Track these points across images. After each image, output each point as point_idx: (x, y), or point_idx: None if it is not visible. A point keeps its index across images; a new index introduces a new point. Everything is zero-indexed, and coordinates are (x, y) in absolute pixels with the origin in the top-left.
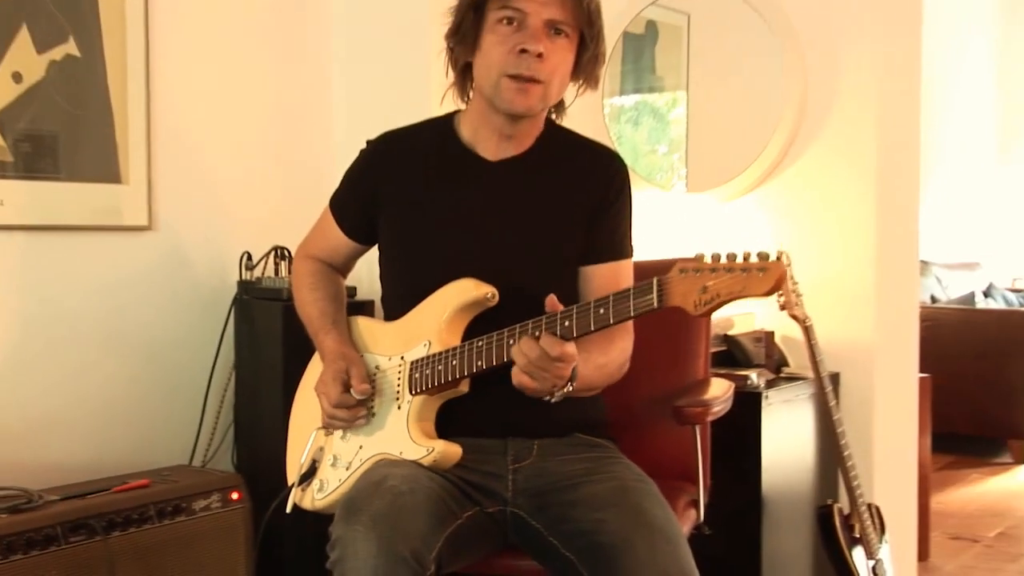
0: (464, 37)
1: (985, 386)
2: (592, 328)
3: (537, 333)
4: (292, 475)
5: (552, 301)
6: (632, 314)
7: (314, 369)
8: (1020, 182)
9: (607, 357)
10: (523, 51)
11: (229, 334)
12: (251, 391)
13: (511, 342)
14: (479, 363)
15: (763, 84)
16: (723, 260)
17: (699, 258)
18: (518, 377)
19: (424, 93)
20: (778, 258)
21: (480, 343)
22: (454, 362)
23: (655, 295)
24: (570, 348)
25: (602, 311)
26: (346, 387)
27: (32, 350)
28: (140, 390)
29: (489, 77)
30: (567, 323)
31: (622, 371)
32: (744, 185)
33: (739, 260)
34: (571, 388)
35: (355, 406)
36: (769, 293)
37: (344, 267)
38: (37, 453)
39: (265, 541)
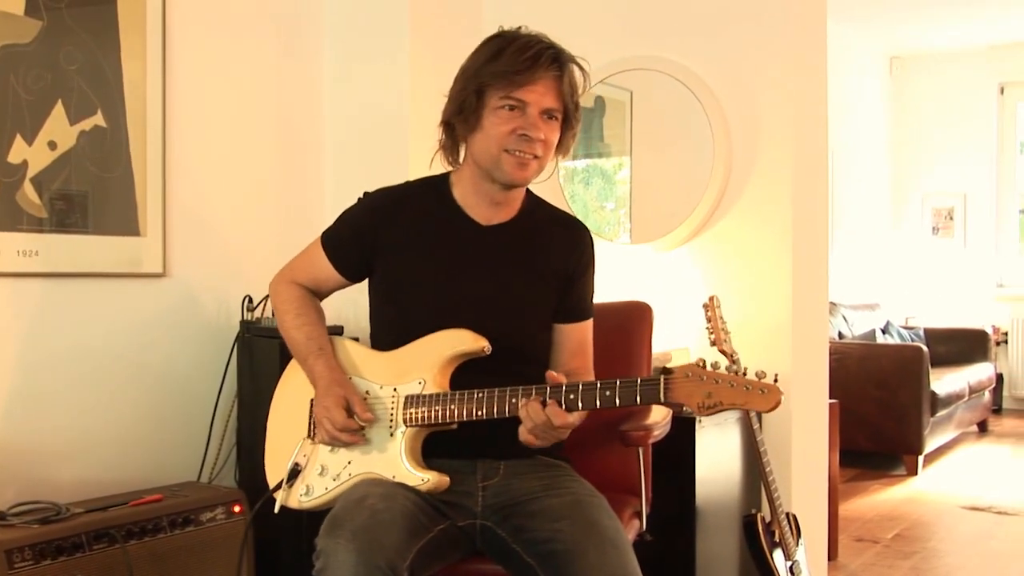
0: (466, 118)
1: (883, 409)
2: (597, 406)
3: (544, 400)
4: (272, 477)
5: (553, 376)
6: (637, 402)
7: (289, 381)
8: (909, 240)
9: None
10: (525, 135)
11: (232, 367)
12: (251, 416)
13: (513, 400)
14: (479, 412)
15: (695, 151)
16: (722, 370)
17: (700, 364)
18: (524, 436)
19: (401, 161)
20: (775, 381)
21: (481, 394)
22: (452, 406)
23: (662, 391)
24: (572, 419)
25: (608, 393)
26: (348, 413)
27: (62, 381)
28: (154, 416)
29: (490, 151)
30: (572, 396)
31: None
32: (680, 237)
33: (738, 373)
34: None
35: (356, 432)
36: (768, 411)
37: (323, 295)
38: (65, 471)
39: (264, 549)
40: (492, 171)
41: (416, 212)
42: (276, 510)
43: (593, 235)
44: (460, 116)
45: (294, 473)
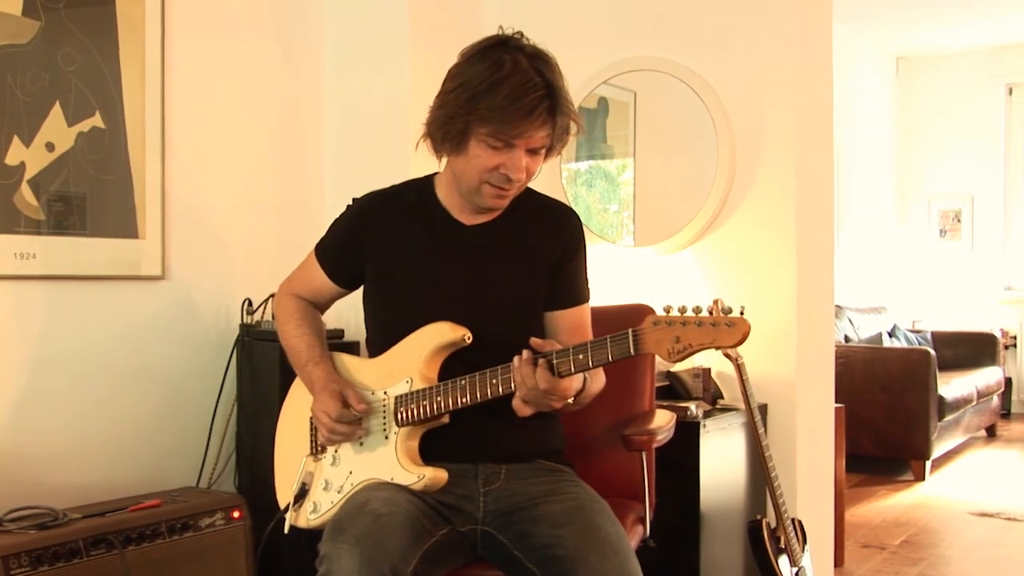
0: (450, 139)
1: (890, 414)
2: (573, 371)
3: (539, 361)
4: (282, 498)
5: (537, 343)
6: (610, 359)
7: (294, 398)
8: (915, 242)
9: (596, 384)
10: (507, 175)
11: (232, 371)
12: (251, 421)
13: (493, 381)
14: (463, 399)
15: (699, 153)
16: (689, 313)
17: (668, 310)
18: (518, 406)
19: (401, 162)
20: (741, 314)
21: (463, 381)
22: (438, 398)
23: (631, 343)
24: (565, 384)
25: (581, 356)
26: (344, 405)
27: (59, 385)
28: (153, 420)
29: (470, 178)
30: (551, 363)
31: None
32: (684, 240)
33: (705, 314)
34: (571, 403)
35: (353, 422)
36: (737, 345)
37: (324, 306)
38: (62, 476)
39: (265, 555)
40: (470, 196)
41: (401, 214)
42: (286, 531)
43: (597, 238)
44: (444, 137)
45: (302, 493)
